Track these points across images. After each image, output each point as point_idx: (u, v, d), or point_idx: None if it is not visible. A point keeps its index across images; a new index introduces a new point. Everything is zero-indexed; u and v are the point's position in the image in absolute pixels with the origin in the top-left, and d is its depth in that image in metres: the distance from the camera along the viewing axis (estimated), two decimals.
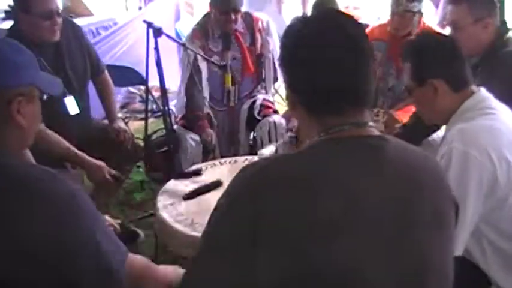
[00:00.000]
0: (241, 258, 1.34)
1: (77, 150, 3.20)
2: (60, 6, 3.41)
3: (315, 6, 4.81)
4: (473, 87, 2.33)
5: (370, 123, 1.48)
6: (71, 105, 3.39)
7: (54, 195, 1.53)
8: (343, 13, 1.63)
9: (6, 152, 1.63)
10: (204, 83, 4.09)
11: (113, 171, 3.23)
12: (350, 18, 1.54)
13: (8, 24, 6.00)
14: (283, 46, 1.53)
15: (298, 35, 1.50)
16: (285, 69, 1.52)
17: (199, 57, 4.00)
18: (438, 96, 2.30)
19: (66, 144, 3.18)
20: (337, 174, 1.36)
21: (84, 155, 3.20)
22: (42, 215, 1.48)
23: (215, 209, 1.42)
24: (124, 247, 1.67)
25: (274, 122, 4.02)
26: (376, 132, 1.48)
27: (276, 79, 4.35)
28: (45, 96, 1.77)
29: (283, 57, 1.52)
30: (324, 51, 1.42)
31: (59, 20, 3.26)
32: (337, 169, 1.37)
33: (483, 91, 2.32)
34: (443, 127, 3.34)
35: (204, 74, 4.09)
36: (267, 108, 4.19)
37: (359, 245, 1.32)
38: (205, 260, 1.42)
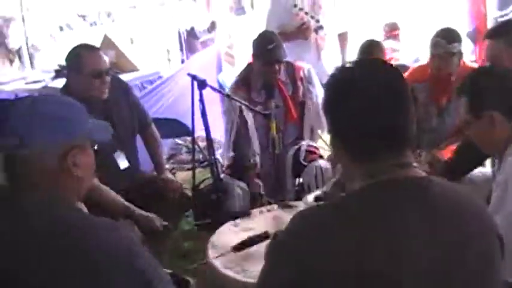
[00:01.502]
0: None
1: (132, 206, 3.32)
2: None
3: (361, 51, 4.88)
4: None
5: (414, 164, 1.52)
6: (121, 160, 3.50)
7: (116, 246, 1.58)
8: (382, 61, 1.70)
9: (66, 204, 1.69)
10: (252, 133, 4.18)
11: (165, 222, 3.31)
12: (388, 66, 1.62)
13: (58, 82, 6.22)
14: (326, 94, 1.61)
15: (340, 83, 1.58)
16: (328, 116, 1.58)
17: (243, 108, 4.08)
18: (495, 127, 2.33)
19: (121, 200, 3.29)
20: (386, 217, 1.40)
21: (136, 208, 3.31)
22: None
23: (267, 254, 1.47)
24: None
25: (321, 167, 4.03)
26: (421, 173, 1.52)
27: (320, 125, 4.39)
28: (96, 147, 1.82)
29: (326, 104, 1.59)
30: (365, 98, 1.48)
31: (108, 78, 3.40)
32: (386, 212, 1.41)
33: None
34: (488, 163, 3.37)
35: (251, 123, 4.17)
36: (312, 154, 4.21)
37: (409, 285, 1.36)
38: None
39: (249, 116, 4.16)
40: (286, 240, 1.47)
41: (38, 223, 1.56)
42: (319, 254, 1.37)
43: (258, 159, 4.19)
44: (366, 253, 1.35)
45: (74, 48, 3.47)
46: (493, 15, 6.57)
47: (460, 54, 4.04)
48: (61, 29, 8.98)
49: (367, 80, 1.52)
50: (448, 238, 1.43)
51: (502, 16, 6.38)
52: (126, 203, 3.33)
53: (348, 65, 1.65)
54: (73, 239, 1.54)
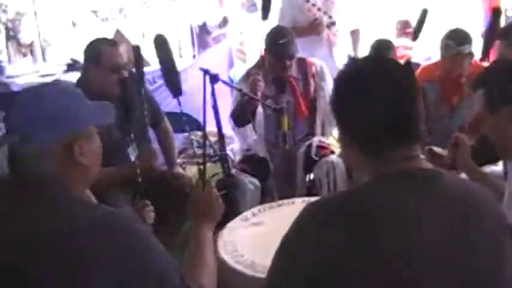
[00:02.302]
0: None
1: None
2: None
3: (372, 48, 4.87)
4: None
5: (422, 156, 1.55)
6: (133, 154, 3.51)
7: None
8: (390, 58, 1.72)
9: (74, 194, 1.69)
10: (261, 127, 4.20)
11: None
12: (396, 61, 1.67)
13: (70, 76, 6.24)
14: (335, 89, 1.62)
15: (349, 79, 1.60)
16: (337, 111, 1.60)
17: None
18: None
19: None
20: (396, 209, 1.41)
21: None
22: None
23: (281, 246, 1.47)
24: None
25: (333, 162, 4.02)
26: (429, 165, 1.54)
27: (331, 122, 4.36)
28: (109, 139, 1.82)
29: (336, 100, 1.61)
30: (374, 93, 1.51)
31: (125, 73, 3.41)
32: (394, 205, 1.42)
33: None
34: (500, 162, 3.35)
35: (260, 118, 4.17)
36: (324, 149, 4.21)
37: (422, 275, 1.36)
38: None
39: (258, 111, 4.15)
40: (296, 236, 1.48)
41: (56, 220, 1.55)
42: (331, 247, 1.38)
43: (266, 154, 4.20)
44: (377, 245, 1.36)
45: (94, 42, 3.51)
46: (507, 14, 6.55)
47: (471, 54, 4.03)
48: (73, 24, 9.00)
49: (376, 75, 1.54)
50: (459, 228, 1.44)
51: None
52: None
53: (356, 60, 1.66)
54: (100, 235, 1.54)
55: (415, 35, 4.40)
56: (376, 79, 1.53)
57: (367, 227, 1.38)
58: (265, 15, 4.27)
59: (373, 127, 1.50)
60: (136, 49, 3.46)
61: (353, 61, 1.67)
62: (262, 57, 4.32)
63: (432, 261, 1.38)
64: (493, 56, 4.02)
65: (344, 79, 1.61)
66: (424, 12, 4.33)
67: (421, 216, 1.41)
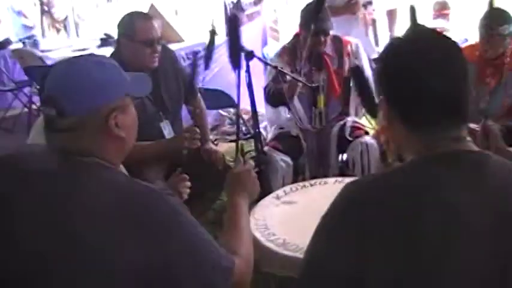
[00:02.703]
0: (350, 270, 1.38)
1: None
2: None
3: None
4: None
5: (468, 139, 1.50)
6: (167, 129, 3.51)
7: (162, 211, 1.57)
8: (442, 34, 1.68)
9: (112, 167, 1.68)
10: (297, 105, 4.15)
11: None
12: (447, 37, 1.60)
13: (103, 50, 6.27)
14: (382, 60, 1.58)
15: (397, 49, 1.56)
16: (385, 83, 1.56)
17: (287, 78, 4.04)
18: None
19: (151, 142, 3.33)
20: (439, 190, 1.38)
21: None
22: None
23: (321, 225, 1.46)
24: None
25: (366, 143, 3.99)
26: (475, 148, 1.50)
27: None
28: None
29: (383, 71, 1.57)
30: (422, 63, 1.46)
31: (159, 47, 3.40)
32: (439, 185, 1.39)
33: None
34: None
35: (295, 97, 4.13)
36: (358, 130, 4.17)
37: (460, 259, 1.34)
38: (313, 275, 1.46)
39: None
40: (337, 215, 1.46)
41: (97, 189, 1.56)
42: (373, 226, 1.36)
43: (298, 132, 4.17)
44: (419, 225, 1.34)
45: (128, 15, 3.48)
46: None
47: (511, 35, 3.94)
48: None
49: (427, 47, 1.50)
50: (503, 207, 1.39)
51: None
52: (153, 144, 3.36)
53: (405, 34, 1.63)
54: (137, 206, 1.54)
55: None
56: (428, 50, 1.49)
57: (410, 206, 1.36)
58: None
59: (421, 103, 1.46)
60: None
61: (404, 34, 1.62)
62: (297, 35, 4.28)
63: (472, 248, 1.34)
64: None
65: (394, 51, 1.57)
66: (413, 10, 4.26)
67: (465, 200, 1.37)
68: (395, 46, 1.58)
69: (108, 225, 1.48)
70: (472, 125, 2.99)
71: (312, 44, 4.05)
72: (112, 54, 3.56)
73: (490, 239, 1.36)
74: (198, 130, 3.27)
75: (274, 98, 4.14)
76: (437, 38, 1.57)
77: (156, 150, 3.33)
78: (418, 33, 1.66)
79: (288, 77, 4.00)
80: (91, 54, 1.92)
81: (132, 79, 1.77)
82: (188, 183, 2.93)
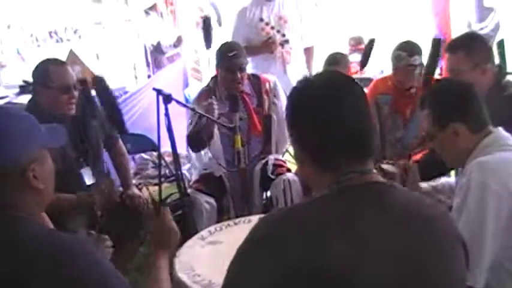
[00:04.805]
0: None
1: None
2: None
3: (326, 63, 4.92)
4: (491, 128, 2.40)
5: (374, 171, 1.58)
6: (87, 176, 3.48)
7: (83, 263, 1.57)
8: (343, 74, 1.74)
9: (32, 219, 1.67)
10: (218, 146, 4.17)
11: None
12: (348, 77, 1.70)
13: (23, 98, 6.15)
14: (290, 106, 1.64)
15: (303, 95, 1.62)
16: (292, 128, 1.62)
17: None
18: (459, 139, 2.38)
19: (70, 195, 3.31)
20: (346, 220, 1.43)
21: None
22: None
23: (235, 259, 1.48)
24: None
25: (289, 180, 4.02)
26: (381, 179, 1.57)
27: (285, 139, 4.37)
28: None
29: (290, 116, 1.62)
30: (327, 108, 1.53)
31: (76, 93, 3.39)
32: (346, 215, 1.44)
33: (501, 130, 2.41)
34: (452, 174, 3.42)
35: (216, 138, 4.14)
36: (280, 167, 4.20)
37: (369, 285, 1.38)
38: None
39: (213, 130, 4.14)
40: (251, 247, 1.48)
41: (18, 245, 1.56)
42: (286, 257, 1.39)
43: (223, 172, 4.18)
44: (326, 256, 1.37)
45: (42, 63, 3.45)
46: (473, 28, 6.65)
47: (422, 65, 4.10)
48: (27, 44, 8.91)
49: (329, 91, 1.57)
50: (405, 244, 1.45)
51: (481, 29, 6.48)
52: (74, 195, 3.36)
53: (309, 77, 1.68)
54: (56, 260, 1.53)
55: (362, 64, 4.49)
56: (328, 96, 1.55)
57: (317, 238, 1.39)
58: (208, 44, 4.29)
59: (326, 143, 1.52)
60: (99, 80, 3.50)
61: (306, 78, 1.67)
62: (215, 76, 4.32)
63: (381, 274, 1.39)
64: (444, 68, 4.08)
65: (297, 96, 1.63)
66: (371, 42, 4.41)
67: (371, 228, 1.43)
68: (299, 90, 1.63)
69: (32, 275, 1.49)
70: (386, 166, 3.11)
71: (228, 82, 4.10)
72: (29, 102, 3.52)
73: (397, 269, 1.41)
74: (111, 182, 3.32)
75: (195, 142, 4.17)
76: (339, 81, 1.63)
77: (69, 204, 3.31)
78: (320, 77, 1.72)
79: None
80: (4, 107, 1.92)
81: (46, 130, 1.77)
82: (109, 244, 2.93)
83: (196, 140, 4.13)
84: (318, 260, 1.36)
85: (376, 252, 1.40)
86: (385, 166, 3.15)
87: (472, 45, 3.19)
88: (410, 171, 3.06)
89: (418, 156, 3.73)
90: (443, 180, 3.55)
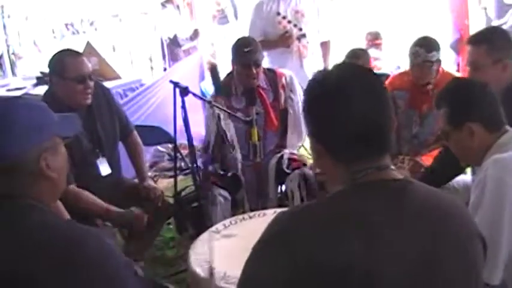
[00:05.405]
0: None
1: (112, 207, 3.37)
2: None
3: (347, 57, 4.91)
4: (507, 127, 2.39)
5: (392, 167, 1.56)
6: (103, 166, 3.50)
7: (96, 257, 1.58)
8: (363, 67, 1.73)
9: (45, 208, 1.68)
10: (234, 140, 4.16)
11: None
12: (368, 70, 1.67)
13: (40, 89, 6.19)
14: (307, 98, 1.62)
15: (320, 87, 1.59)
16: (310, 120, 1.60)
17: (222, 116, 4.07)
18: (474, 138, 2.37)
19: (103, 203, 3.31)
20: (361, 217, 1.43)
21: (117, 209, 3.39)
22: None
23: (251, 256, 1.48)
24: None
25: (304, 174, 4.01)
26: (399, 176, 1.55)
27: (301, 133, 4.37)
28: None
29: (308, 109, 1.61)
30: (346, 101, 1.51)
31: (91, 83, 3.40)
32: (361, 212, 1.44)
33: None
34: (469, 171, 3.40)
35: (232, 132, 4.15)
36: (295, 161, 4.18)
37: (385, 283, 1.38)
38: None
39: (229, 124, 4.14)
40: (268, 244, 1.48)
41: (27, 231, 1.57)
42: (302, 254, 1.38)
43: (239, 167, 4.18)
44: (339, 253, 1.36)
45: (57, 54, 3.47)
46: (492, 24, 6.60)
47: (439, 61, 4.08)
48: (44, 36, 8.95)
49: (349, 83, 1.55)
50: (421, 241, 1.44)
51: (500, 25, 6.42)
52: (106, 205, 3.38)
53: (329, 70, 1.67)
54: (65, 249, 1.54)
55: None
56: (350, 85, 1.53)
57: (332, 235, 1.39)
58: (216, 90, 4.26)
59: (345, 137, 1.51)
60: None
61: (324, 70, 1.66)
62: (231, 72, 4.31)
63: (396, 271, 1.38)
64: (462, 62, 4.05)
65: (315, 88, 1.61)
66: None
67: (386, 225, 1.42)
68: (318, 82, 1.61)
69: (39, 264, 1.50)
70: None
71: (244, 77, 4.11)
72: (46, 93, 3.55)
73: (414, 262, 1.41)
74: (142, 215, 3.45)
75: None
76: (359, 73, 1.61)
77: (98, 212, 3.38)
78: (339, 68, 1.70)
79: (224, 117, 4.05)
80: (17, 98, 1.92)
81: (60, 119, 1.78)
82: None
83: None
84: (333, 257, 1.36)
85: (391, 250, 1.39)
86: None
87: (495, 39, 3.15)
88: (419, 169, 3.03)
89: (429, 161, 3.73)
90: (458, 179, 3.53)
